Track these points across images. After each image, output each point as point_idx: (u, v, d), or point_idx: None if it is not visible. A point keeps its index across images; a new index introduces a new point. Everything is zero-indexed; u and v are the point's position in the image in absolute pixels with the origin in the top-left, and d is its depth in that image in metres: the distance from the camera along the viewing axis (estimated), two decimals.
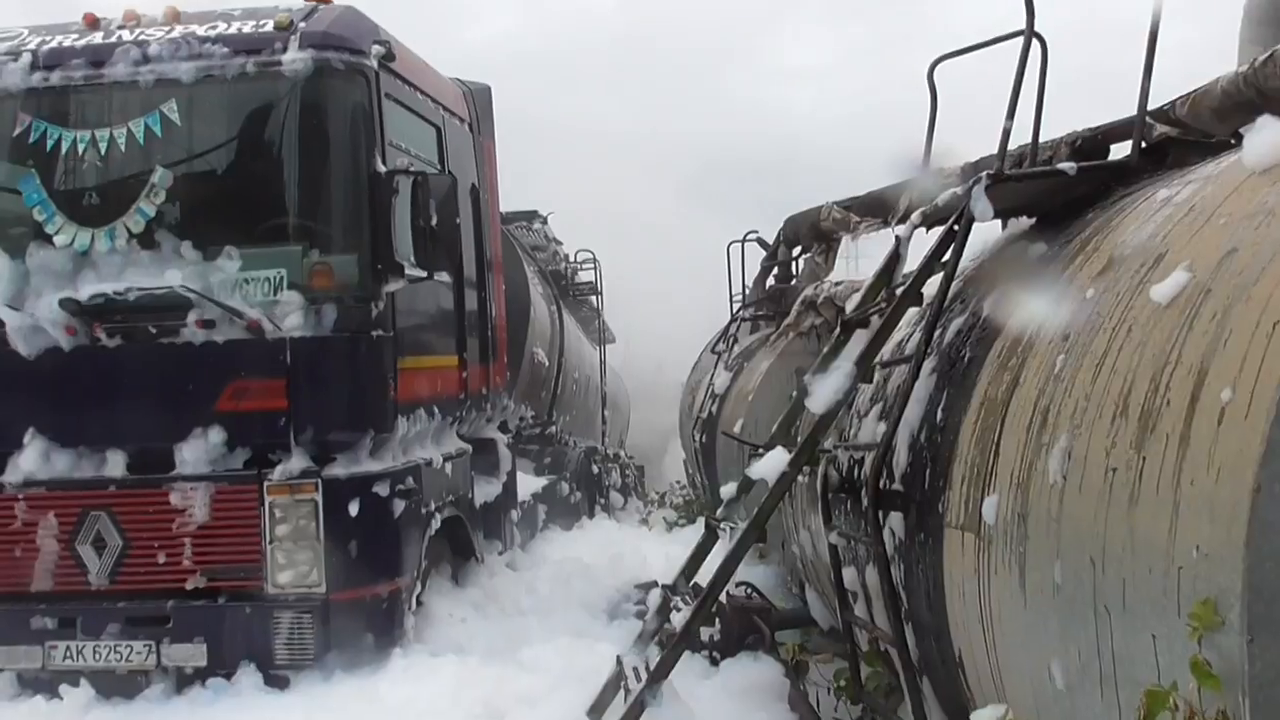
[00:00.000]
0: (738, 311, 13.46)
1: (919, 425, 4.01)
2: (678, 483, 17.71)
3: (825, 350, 4.96)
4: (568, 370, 13.81)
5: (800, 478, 5.38)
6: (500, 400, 8.49)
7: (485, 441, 8.26)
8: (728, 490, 5.31)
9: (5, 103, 6.05)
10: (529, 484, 10.50)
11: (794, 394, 5.26)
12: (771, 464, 4.77)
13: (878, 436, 4.21)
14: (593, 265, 16.96)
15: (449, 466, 6.93)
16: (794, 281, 11.50)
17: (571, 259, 17.07)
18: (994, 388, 3.54)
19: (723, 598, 5.64)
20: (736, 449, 9.24)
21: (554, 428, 13.02)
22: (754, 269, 12.98)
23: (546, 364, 12.22)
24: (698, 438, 12.28)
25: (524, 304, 11.17)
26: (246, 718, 5.38)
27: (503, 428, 8.86)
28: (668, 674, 4.70)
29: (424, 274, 6.19)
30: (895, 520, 4.04)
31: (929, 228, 4.58)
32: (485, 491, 8.02)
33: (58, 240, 5.94)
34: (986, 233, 4.46)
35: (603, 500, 15.50)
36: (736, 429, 9.26)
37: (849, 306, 5.10)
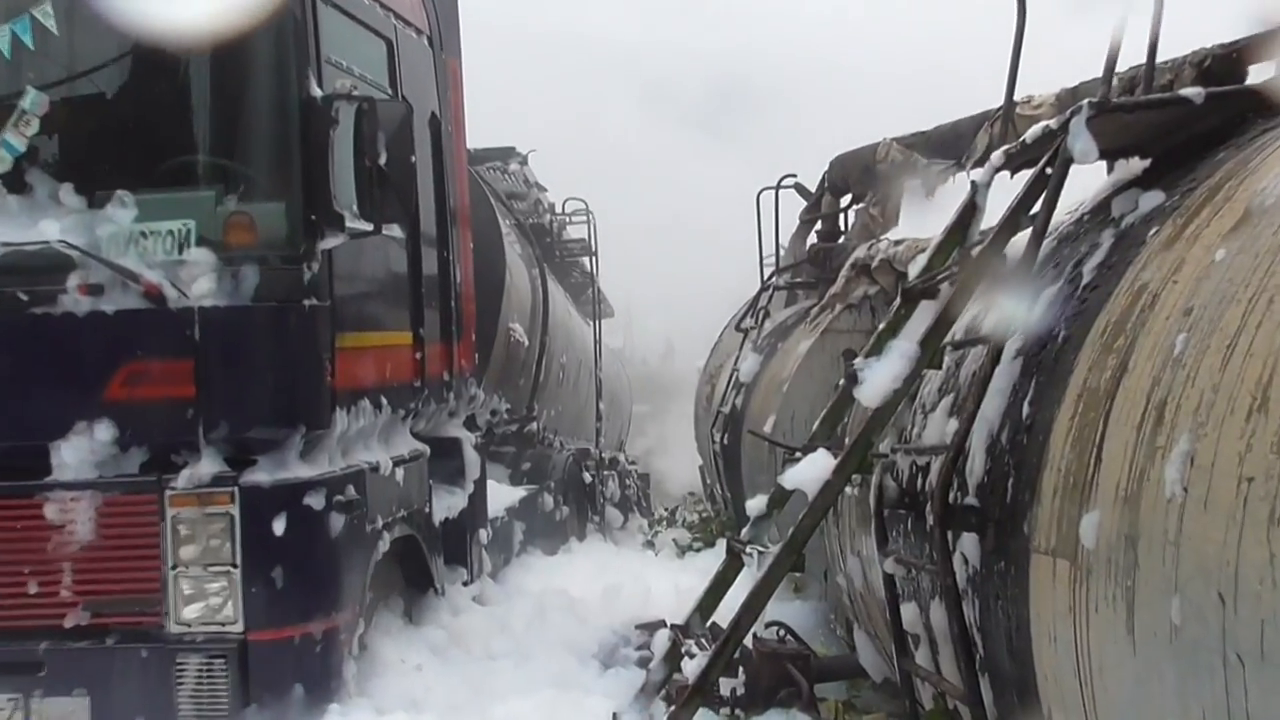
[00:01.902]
0: (770, 277, 13.49)
1: (999, 423, 4.00)
2: (691, 495, 17.77)
3: (881, 327, 4.95)
4: (553, 351, 13.83)
5: (848, 489, 5.37)
6: (466, 389, 8.50)
7: (447, 442, 8.28)
8: (756, 505, 5.32)
9: None
10: (503, 496, 10.52)
11: (840, 383, 5.27)
12: (812, 471, 4.77)
13: (947, 437, 4.20)
14: (585, 218, 16.97)
15: (401, 473, 6.94)
16: (842, 239, 11.51)
17: (558, 210, 17.08)
18: (1095, 375, 3.52)
19: (748, 641, 5.65)
20: (767, 452, 9.26)
21: (535, 424, 13.05)
22: (790, 223, 12.99)
23: (526, 343, 12.24)
24: (718, 438, 12.30)
25: (497, 267, 11.17)
26: None
27: (469, 424, 8.88)
28: None
29: (370, 227, 6.19)
30: (968, 544, 4.03)
31: (1014, 171, 4.56)
32: (447, 505, 8.04)
33: None
34: (1087, 178, 4.44)
35: (597, 517, 15.54)
36: (767, 427, 9.27)
37: (912, 271, 5.09)
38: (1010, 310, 4.01)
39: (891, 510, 4.80)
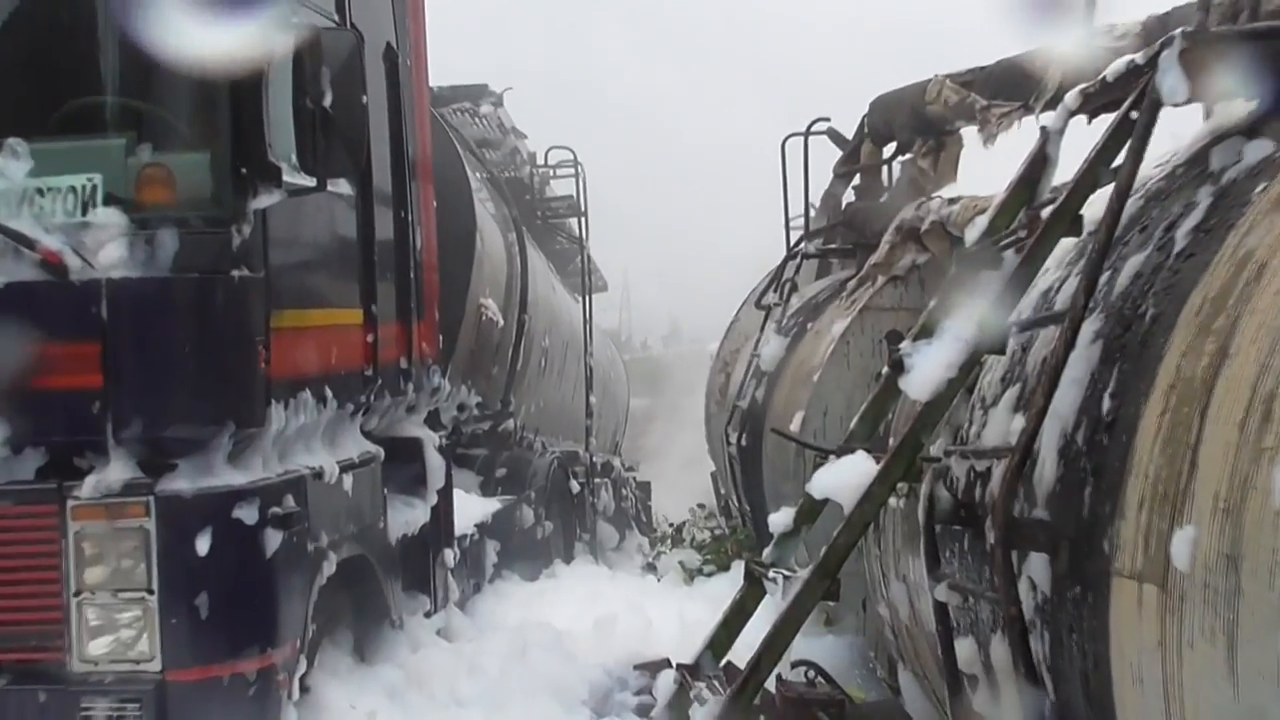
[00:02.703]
0: (797, 244, 13.49)
1: (1074, 420, 4.02)
2: (701, 508, 17.80)
3: (933, 304, 4.97)
4: (533, 333, 13.86)
5: (892, 500, 5.39)
6: (428, 378, 8.53)
7: (406, 443, 8.31)
8: (781, 519, 5.35)
9: None
10: (473, 509, 10.55)
11: (883, 371, 5.29)
12: (848, 478, 4.79)
13: (1011, 438, 4.22)
14: (573, 171, 16.97)
15: (350, 480, 6.97)
16: (885, 197, 11.51)
17: (540, 161, 17.08)
18: (1190, 362, 3.54)
19: (771, 684, 5.68)
20: (794, 456, 9.28)
21: (512, 422, 13.09)
22: (822, 178, 12.99)
23: (501, 323, 12.27)
24: (734, 438, 12.32)
25: (466, 230, 11.20)
26: None
27: (432, 421, 8.91)
28: None
29: (312, 182, 6.21)
30: (1037, 565, 4.06)
31: (1093, 115, 4.57)
32: (405, 520, 8.07)
33: None
34: (1181, 124, 4.45)
35: (586, 535, 15.57)
36: (794, 425, 9.30)
37: (969, 236, 5.10)
38: (1088, 283, 4.03)
39: (945, 526, 4.81)
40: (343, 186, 7.06)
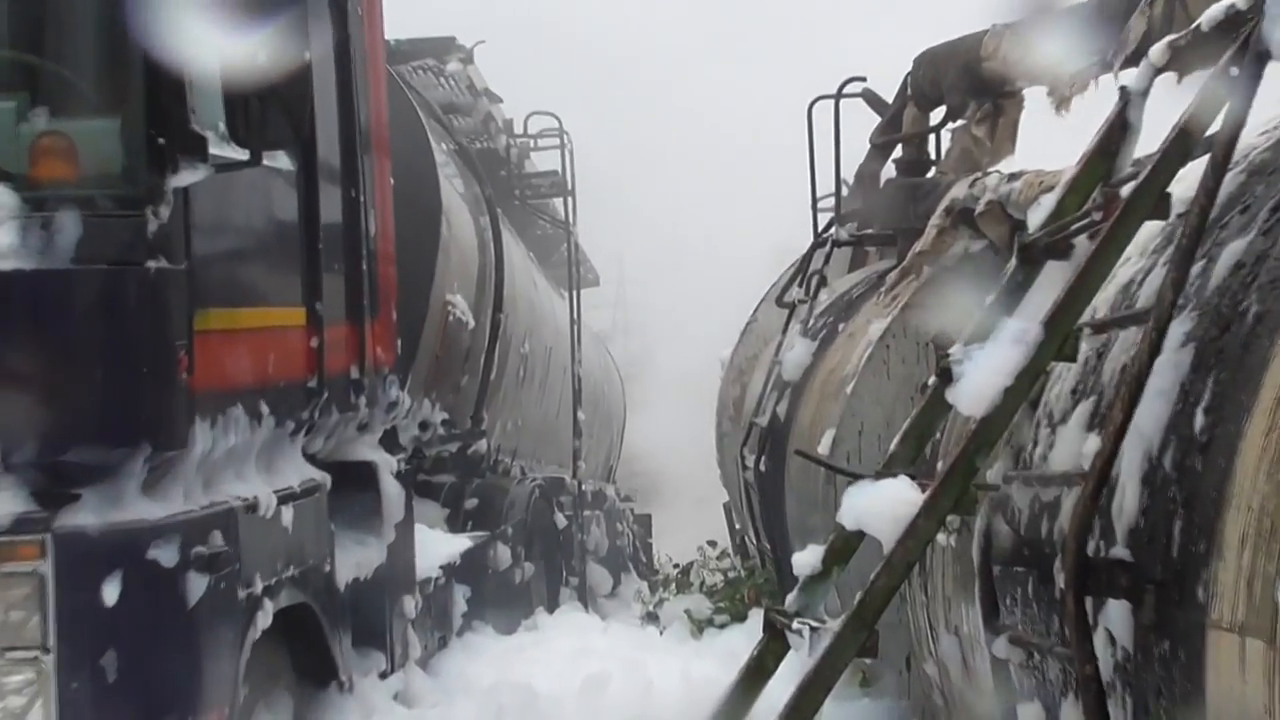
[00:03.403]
0: (826, 228, 13.48)
1: (1161, 439, 4.00)
2: (712, 545, 17.76)
3: (990, 300, 4.94)
4: (510, 337, 13.85)
5: (941, 536, 5.36)
6: (385, 391, 8.52)
7: (357, 468, 8.31)
8: (807, 560, 5.32)
9: None
10: (438, 547, 10.53)
11: (930, 381, 5.26)
12: (887, 509, 4.77)
13: (1085, 461, 4.20)
14: (559, 143, 16.96)
15: (289, 514, 6.96)
16: (932, 172, 11.49)
17: (519, 130, 17.07)
18: None
19: None
20: (823, 483, 9.25)
21: (485, 443, 13.07)
22: (856, 149, 12.97)
23: (471, 324, 12.26)
24: (751, 462, 12.30)
25: (430, 212, 11.19)
26: None
27: (389, 442, 8.90)
28: None
29: (244, 155, 6.20)
30: (1116, 615, 4.03)
31: (1184, 73, 4.55)
32: (356, 561, 8.06)
33: None
34: None
35: (574, 578, 15.56)
36: (823, 446, 9.28)
37: (1034, 219, 5.08)
38: (1178, 276, 4.00)
39: (1005, 567, 4.79)
40: (281, 160, 7.03)
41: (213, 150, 6.07)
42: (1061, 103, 8.36)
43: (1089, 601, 4.04)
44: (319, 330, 7.43)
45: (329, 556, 7.58)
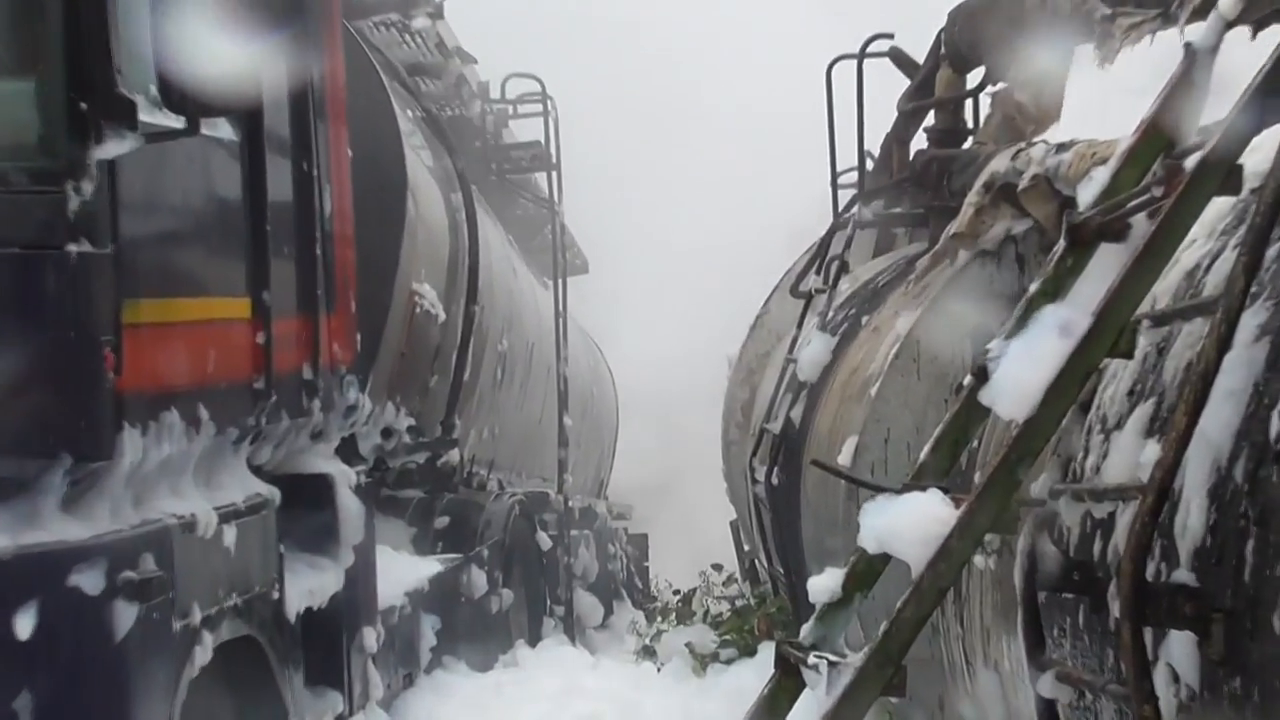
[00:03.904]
0: (848, 207, 13.46)
1: (1231, 447, 3.98)
2: (717, 569, 17.79)
3: (1032, 289, 4.93)
4: (487, 331, 13.83)
5: (978, 559, 5.35)
6: (342, 393, 8.50)
7: (311, 482, 8.31)
8: (825, 584, 5.31)
9: None
10: (404, 572, 10.53)
11: (966, 381, 5.25)
12: (915, 526, 4.76)
13: (1144, 473, 4.18)
14: (542, 110, 16.94)
15: (232, 533, 6.95)
16: (969, 143, 11.48)
17: (496, 95, 17.06)
18: None
19: None
20: (844, 499, 9.24)
21: (457, 453, 13.05)
22: (882, 116, 12.95)
23: (441, 317, 12.24)
24: (762, 474, 12.29)
25: (393, 188, 11.17)
26: None
27: (347, 452, 8.89)
28: None
29: (179, 123, 6.18)
30: (1179, 648, 4.02)
31: (1259, 27, 4.53)
32: (310, 588, 8.04)
33: None
34: None
35: (560, 607, 15.53)
36: (845, 456, 9.27)
37: (1084, 195, 5.07)
38: (1251, 260, 3.99)
39: (1052, 594, 4.78)
40: (222, 129, 7.01)
41: (143, 117, 6.05)
42: (1107, 58, 8.33)
43: (1148, 633, 4.02)
44: (266, 324, 7.41)
45: (278, 583, 7.56)
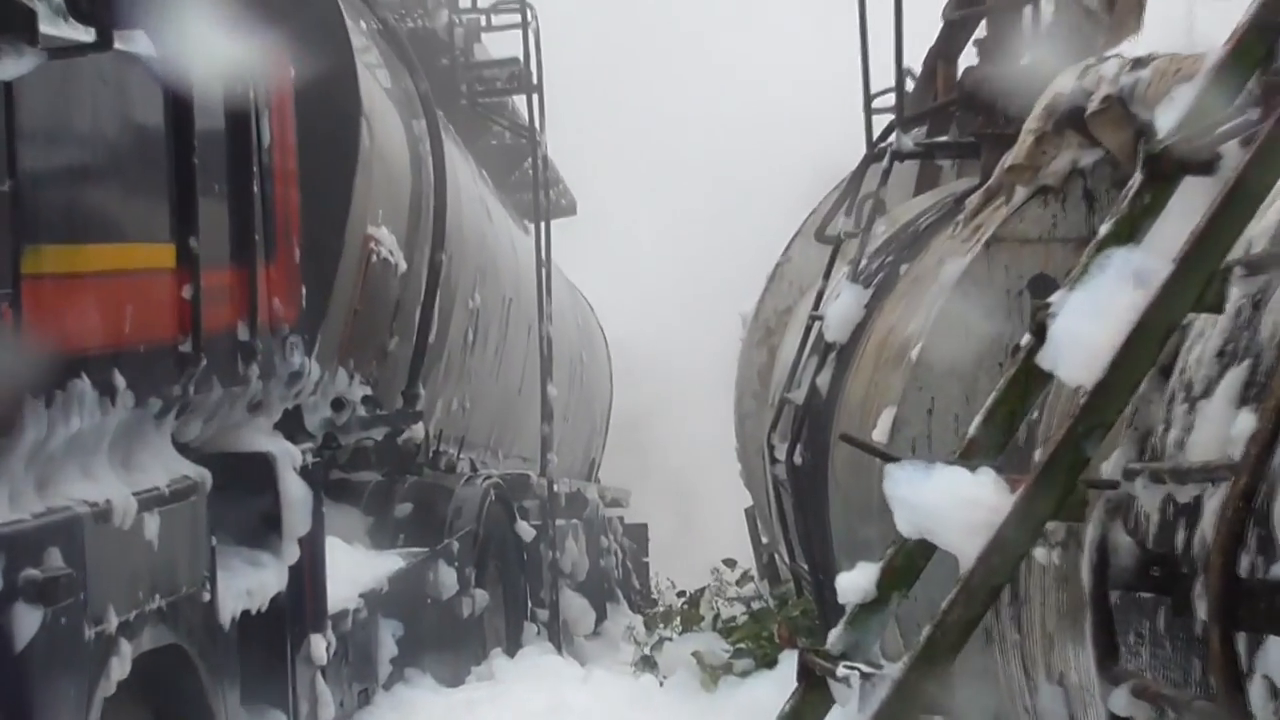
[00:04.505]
0: (883, 135, 13.44)
1: None
2: (729, 565, 17.80)
3: (1105, 231, 4.93)
4: (456, 284, 13.82)
5: (1039, 551, 5.35)
6: (285, 357, 8.49)
7: (248, 462, 8.33)
8: (856, 583, 5.32)
9: None
10: (359, 569, 10.53)
11: (1024, 340, 5.25)
12: (963, 512, 4.76)
13: (1235, 449, 4.18)
14: (521, 20, 16.89)
15: (155, 523, 6.95)
16: (1027, 59, 11.45)
17: (466, 3, 17.02)
18: None
19: None
20: (879, 480, 9.22)
21: (420, 428, 13.05)
22: (925, 30, 12.94)
23: (403, 268, 12.25)
24: (782, 452, 12.29)
25: (344, 115, 11.15)
26: None
27: (291, 427, 8.89)
28: None
29: (89, 36, 6.16)
30: (1277, 657, 4.03)
31: None
32: (247, 588, 8.05)
33: None
34: None
35: (543, 610, 15.53)
36: (880, 430, 9.27)
37: (1165, 120, 5.06)
38: None
39: (1126, 593, 4.78)
40: (140, 43, 6.99)
41: (45, 28, 6.02)
42: None
43: (1241, 639, 4.03)
44: (194, 275, 7.39)
45: (209, 582, 7.56)
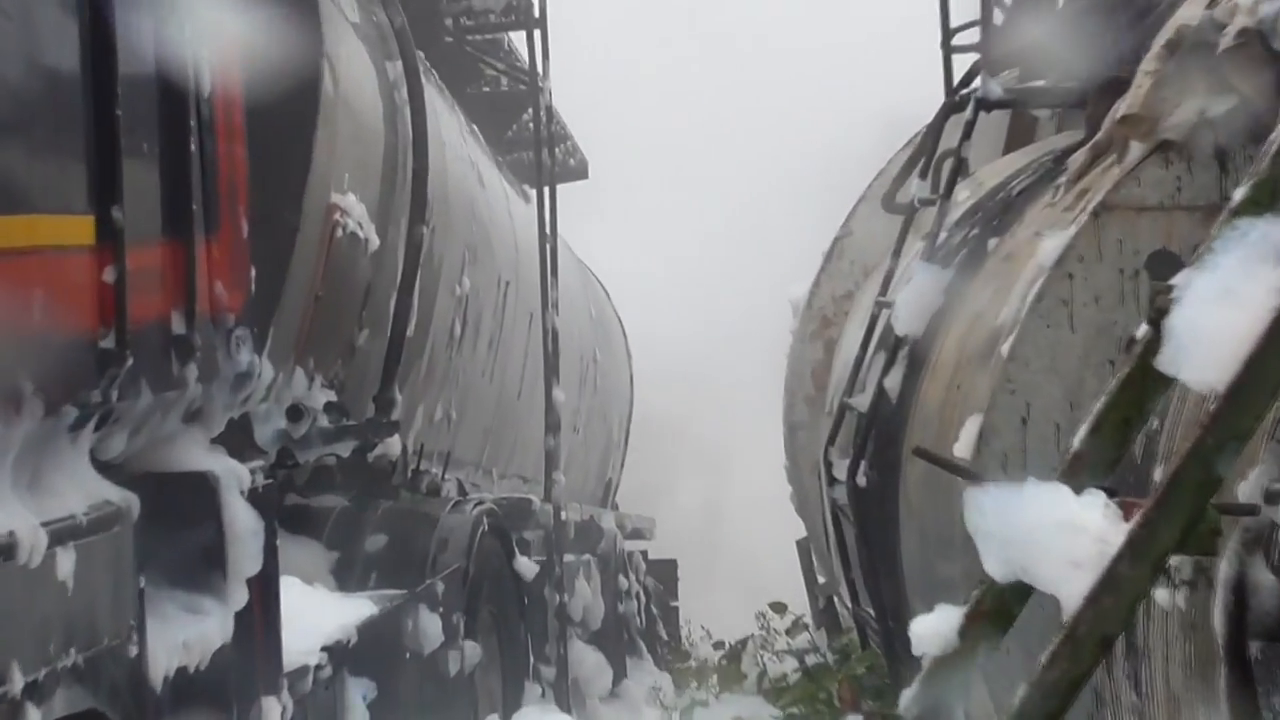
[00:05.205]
0: (966, 80, 13.46)
1: None
2: (777, 611, 17.85)
3: (1240, 196, 4.93)
4: (440, 266, 13.85)
5: (1161, 593, 5.35)
6: (230, 355, 8.49)
7: (185, 485, 8.33)
8: (935, 631, 5.34)
9: None
10: (322, 616, 10.54)
11: (1140, 333, 5.26)
12: (1066, 543, 4.76)
13: None
14: None
15: (68, 562, 6.94)
16: None
17: None
18: None
19: None
20: (960, 504, 9.22)
21: (397, 442, 13.07)
22: None
23: (375, 244, 12.26)
24: (842, 472, 12.31)
25: (301, 57, 11.15)
26: None
27: (237, 442, 8.91)
28: None
29: None
30: None
31: None
32: (184, 640, 8.04)
33: None
34: None
35: (548, 666, 15.55)
36: (964, 443, 9.28)
37: None
38: None
39: (1270, 644, 4.78)
40: None
41: None
42: None
43: None
44: (118, 253, 7.37)
45: (136, 633, 7.56)
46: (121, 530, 7.41)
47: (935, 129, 13.35)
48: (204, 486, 8.39)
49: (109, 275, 7.37)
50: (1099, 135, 9.72)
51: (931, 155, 13.06)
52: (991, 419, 9.32)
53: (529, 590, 15.03)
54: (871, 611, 12.50)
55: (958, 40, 14.29)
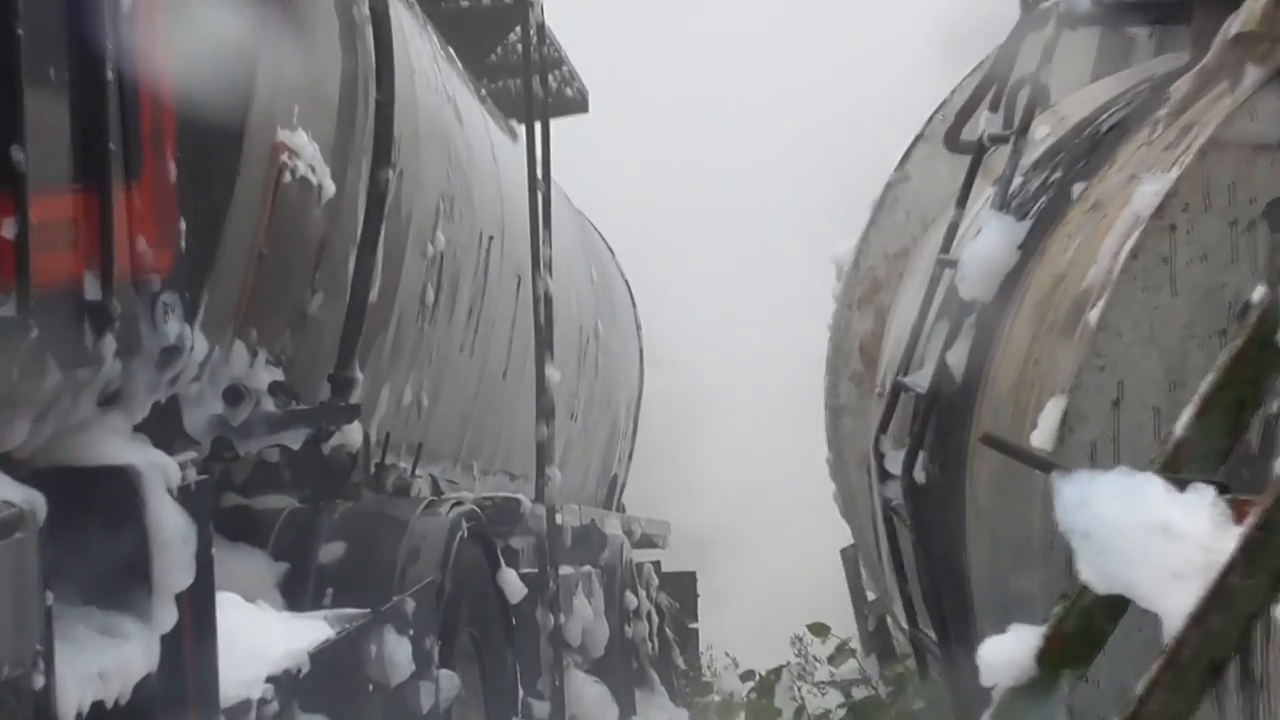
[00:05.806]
0: None
1: None
2: (818, 632, 17.92)
3: None
4: (408, 219, 13.85)
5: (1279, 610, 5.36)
6: (156, 325, 8.51)
7: (101, 482, 8.35)
8: (1009, 655, 5.35)
9: None
10: (269, 640, 10.57)
11: (1257, 296, 5.26)
12: (1166, 549, 4.77)
13: None
14: None
15: None
16: None
17: None
18: None
19: None
20: (1039, 503, 9.25)
21: (357, 430, 13.09)
22: None
23: (330, 191, 12.25)
24: (896, 465, 12.32)
25: None
26: None
27: (165, 430, 8.92)
28: None
29: None
30: None
31: None
32: (99, 668, 8.07)
33: None
34: None
35: (539, 700, 15.60)
36: (1043, 430, 9.28)
37: None
38: None
39: None
40: None
41: None
42: None
43: None
44: (17, 202, 7.40)
45: (42, 659, 7.58)
46: (24, 537, 7.41)
47: (1008, 50, 13.36)
48: (124, 484, 8.39)
49: (7, 229, 7.38)
50: (1208, 59, 9.73)
51: (1004, 83, 13.06)
52: (1076, 401, 9.32)
53: (517, 609, 15.05)
54: (932, 634, 12.52)
55: None
